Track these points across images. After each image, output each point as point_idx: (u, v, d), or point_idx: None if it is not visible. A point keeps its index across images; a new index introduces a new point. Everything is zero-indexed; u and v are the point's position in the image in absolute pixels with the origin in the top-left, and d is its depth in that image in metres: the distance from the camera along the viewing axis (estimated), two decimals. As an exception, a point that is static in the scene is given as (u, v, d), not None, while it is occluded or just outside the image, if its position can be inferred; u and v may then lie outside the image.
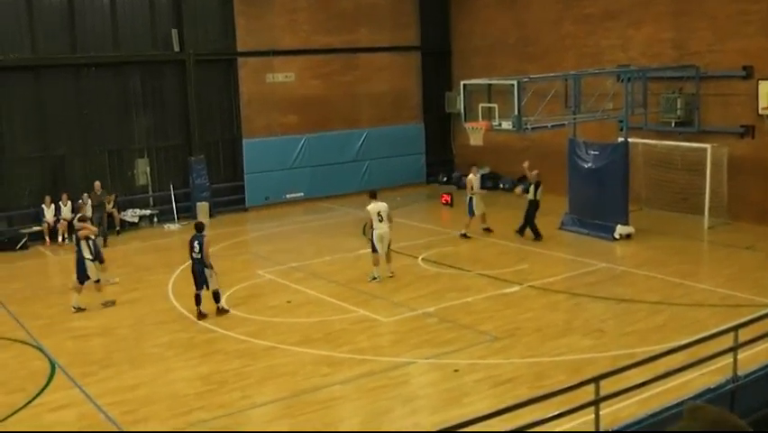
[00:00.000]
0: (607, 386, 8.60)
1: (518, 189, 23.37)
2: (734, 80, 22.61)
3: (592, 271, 18.95)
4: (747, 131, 22.48)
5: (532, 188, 21.69)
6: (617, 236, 21.45)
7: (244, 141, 28.66)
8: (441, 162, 32.40)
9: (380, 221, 18.65)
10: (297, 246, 23.01)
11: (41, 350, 15.03)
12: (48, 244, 24.31)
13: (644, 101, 22.50)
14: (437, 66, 32.47)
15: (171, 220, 26.58)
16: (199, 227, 16.84)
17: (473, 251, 21.72)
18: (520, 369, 13.13)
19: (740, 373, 9.62)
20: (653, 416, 8.71)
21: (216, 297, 16.53)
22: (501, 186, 29.43)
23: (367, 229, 19.27)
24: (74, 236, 18.16)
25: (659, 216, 23.39)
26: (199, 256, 16.34)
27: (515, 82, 19.95)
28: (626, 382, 9.11)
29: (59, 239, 24.41)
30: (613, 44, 25.96)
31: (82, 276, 17.53)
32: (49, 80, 25.39)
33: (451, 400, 12.05)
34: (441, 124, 32.63)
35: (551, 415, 8.33)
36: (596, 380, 8.46)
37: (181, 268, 19.74)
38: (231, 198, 28.62)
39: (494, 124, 20.65)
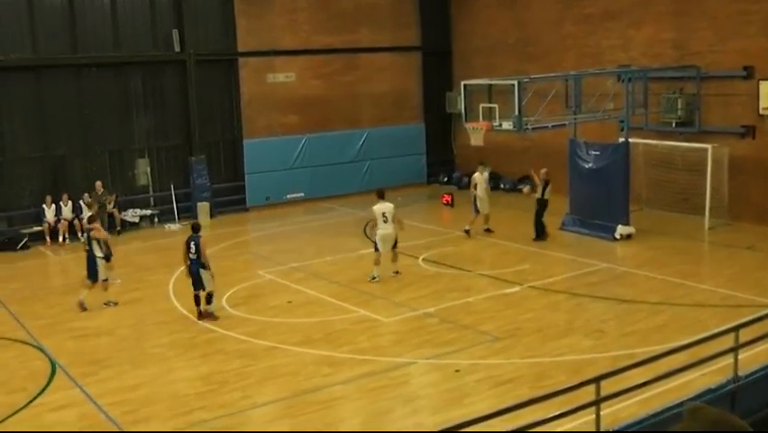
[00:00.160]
0: (607, 386, 8.60)
1: (526, 189, 23.18)
2: (734, 80, 22.62)
3: (593, 271, 18.94)
4: (748, 131, 22.47)
5: (540, 188, 21.55)
6: (617, 237, 21.45)
7: (245, 141, 28.67)
8: (441, 163, 32.40)
9: (385, 222, 18.64)
10: (298, 246, 23.02)
11: (41, 350, 15.03)
12: (48, 244, 24.31)
13: (644, 101, 22.51)
14: (438, 66, 32.46)
15: (172, 220, 26.58)
16: (195, 228, 16.78)
17: (474, 251, 21.73)
18: (521, 369, 13.13)
19: (741, 373, 9.62)
20: (653, 416, 8.71)
21: (209, 299, 16.39)
22: (502, 186, 29.45)
23: (369, 228, 19.24)
24: (86, 234, 18.15)
25: (660, 217, 23.38)
26: (195, 257, 16.28)
27: (515, 82, 19.94)
28: (626, 382, 9.10)
29: (60, 239, 24.43)
30: (613, 44, 25.96)
31: (93, 274, 17.56)
32: (49, 80, 25.40)
33: (451, 401, 12.05)
34: (441, 125, 32.63)
35: (552, 415, 8.33)
36: (596, 380, 8.46)
37: (182, 268, 19.71)
38: (231, 199, 28.62)
39: (495, 124, 20.65)
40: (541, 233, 21.83)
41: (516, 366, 13.27)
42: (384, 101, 31.35)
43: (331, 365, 13.67)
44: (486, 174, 23.12)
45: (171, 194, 27.30)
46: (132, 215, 26.20)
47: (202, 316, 16.31)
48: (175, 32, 27.13)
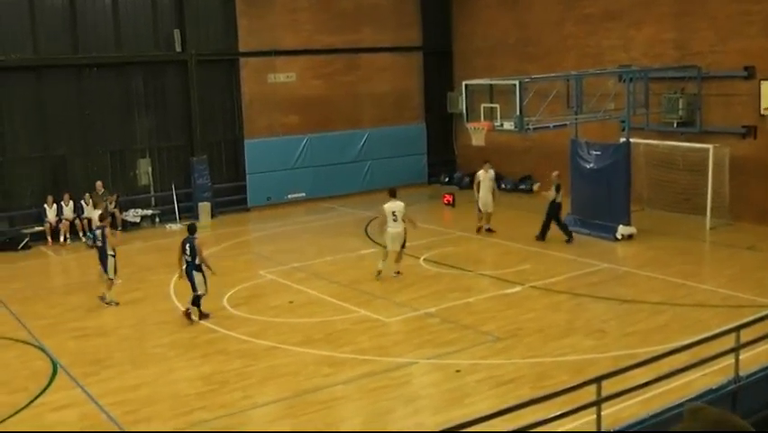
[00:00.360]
0: (608, 386, 8.60)
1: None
2: (735, 81, 22.61)
3: (594, 271, 18.94)
4: (749, 131, 22.47)
5: (553, 190, 21.29)
6: (618, 237, 21.45)
7: (246, 141, 28.68)
8: (443, 163, 32.40)
9: (395, 220, 18.67)
10: (299, 246, 23.02)
11: (42, 350, 15.04)
12: (50, 244, 24.32)
13: (645, 101, 22.51)
14: (439, 66, 32.47)
15: (173, 220, 26.58)
16: (191, 229, 16.71)
17: (475, 251, 21.73)
18: (522, 369, 13.13)
19: (742, 373, 9.62)
20: (654, 416, 8.71)
21: (195, 301, 16.28)
22: (503, 186, 29.39)
23: (375, 226, 19.24)
24: (100, 231, 18.18)
25: (661, 217, 23.37)
26: (190, 259, 16.23)
27: (516, 82, 19.95)
28: (627, 382, 9.11)
29: (61, 239, 24.44)
30: (614, 44, 25.95)
31: (105, 270, 17.74)
32: (51, 81, 25.41)
33: (452, 401, 12.06)
34: (443, 125, 32.63)
35: (553, 415, 8.34)
36: (598, 380, 8.46)
37: (184, 266, 19.73)
38: (233, 199, 28.62)
39: (496, 124, 20.65)
40: (544, 234, 21.69)
41: (517, 366, 13.27)
42: (385, 101, 31.35)
43: (332, 365, 13.67)
44: (491, 173, 23.09)
45: (173, 194, 27.31)
46: (133, 215, 26.22)
47: (202, 315, 16.31)
48: (176, 32, 27.14)
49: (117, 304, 17.74)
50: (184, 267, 16.46)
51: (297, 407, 12.07)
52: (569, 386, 8.80)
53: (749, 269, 18.55)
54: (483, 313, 16.20)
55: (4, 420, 11.92)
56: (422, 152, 32.24)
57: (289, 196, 29.28)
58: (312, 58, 29.77)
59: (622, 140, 21.68)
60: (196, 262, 16.24)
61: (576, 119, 22.19)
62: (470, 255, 21.14)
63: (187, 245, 16.30)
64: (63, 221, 24.60)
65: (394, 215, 18.68)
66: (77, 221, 24.70)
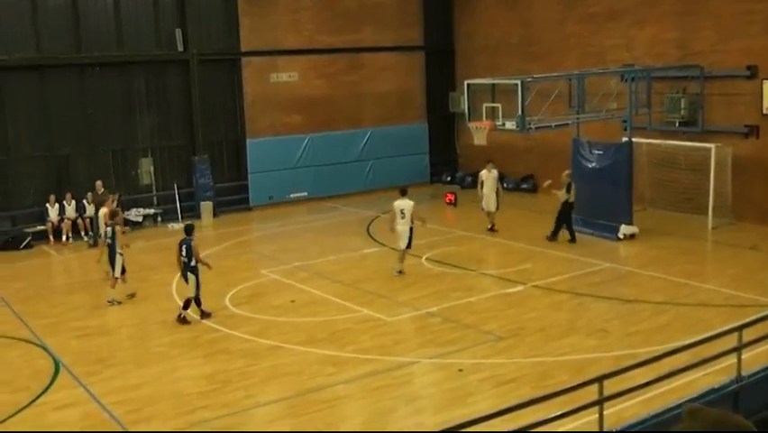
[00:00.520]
0: (610, 386, 8.60)
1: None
2: (738, 80, 22.60)
3: (596, 270, 18.93)
4: (751, 131, 22.45)
5: (564, 190, 21.19)
6: (621, 236, 21.44)
7: (248, 140, 28.68)
8: (445, 162, 32.40)
9: (402, 218, 18.77)
10: (301, 246, 23.03)
11: (45, 349, 15.06)
12: (52, 243, 24.34)
13: (647, 101, 22.48)
14: (441, 66, 32.46)
15: (175, 219, 26.58)
16: (188, 230, 16.62)
17: (477, 250, 21.73)
18: (524, 369, 13.13)
19: (744, 373, 9.62)
20: (656, 416, 8.71)
21: (185, 304, 16.26)
22: (505, 185, 29.35)
23: (390, 223, 19.32)
24: (110, 229, 18.22)
25: (663, 216, 23.36)
26: (186, 260, 16.19)
27: (518, 82, 19.94)
28: (629, 382, 9.11)
29: (63, 238, 24.46)
30: (617, 44, 25.94)
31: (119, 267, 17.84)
32: (53, 80, 25.43)
33: (454, 400, 12.06)
34: (445, 124, 32.63)
35: (554, 415, 8.34)
36: (599, 380, 8.46)
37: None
38: (235, 198, 28.63)
39: (498, 123, 20.65)
40: (556, 234, 21.54)
41: (518, 366, 13.27)
42: (387, 101, 31.35)
43: (334, 365, 13.68)
44: (495, 172, 23.10)
45: (175, 193, 27.33)
46: (135, 214, 26.23)
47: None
48: (178, 32, 27.15)
49: (119, 303, 17.76)
50: (181, 268, 16.42)
51: (299, 406, 12.08)
52: (570, 386, 8.80)
53: (751, 268, 18.54)
54: (485, 312, 16.20)
55: (6, 419, 11.93)
56: (424, 151, 32.23)
57: (291, 195, 29.28)
58: (314, 57, 29.77)
59: (624, 139, 21.68)
60: (192, 263, 16.17)
61: (578, 118, 22.18)
62: (471, 255, 21.13)
63: (184, 246, 16.24)
64: (65, 220, 24.62)
65: (402, 212, 18.77)
66: (80, 220, 24.72)
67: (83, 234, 24.54)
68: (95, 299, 18.47)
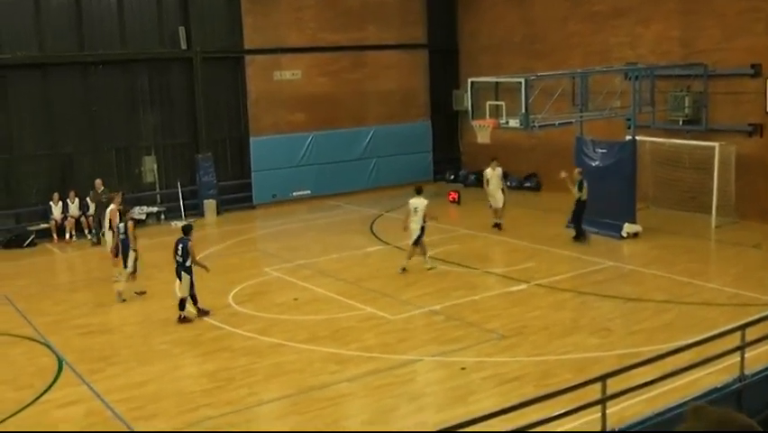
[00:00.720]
0: (613, 385, 8.60)
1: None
2: (742, 78, 22.56)
3: (599, 269, 18.92)
4: (755, 129, 22.42)
5: (576, 188, 21.03)
6: (624, 235, 21.42)
7: (251, 138, 28.69)
8: (448, 160, 32.38)
9: (415, 216, 18.93)
10: (305, 244, 23.04)
11: (48, 347, 15.08)
12: (55, 241, 24.38)
13: (651, 99, 22.45)
14: (444, 64, 32.45)
15: (178, 217, 26.59)
16: (185, 230, 16.57)
17: (480, 248, 21.72)
18: (527, 367, 13.13)
19: (747, 372, 9.60)
20: (659, 415, 8.70)
21: (181, 304, 16.21)
22: (509, 184, 29.32)
23: (404, 220, 19.44)
24: (123, 225, 18.28)
25: (666, 215, 23.34)
26: (181, 260, 16.13)
27: (522, 80, 19.93)
28: (632, 380, 9.10)
29: (67, 236, 24.50)
30: (621, 42, 25.90)
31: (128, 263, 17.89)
32: (56, 78, 25.46)
33: (457, 398, 12.06)
34: (448, 122, 32.61)
35: (557, 413, 8.34)
36: (602, 378, 8.46)
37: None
38: (238, 196, 28.64)
39: (501, 121, 20.64)
40: (580, 233, 21.42)
41: (521, 364, 13.27)
42: (391, 99, 31.34)
43: (337, 362, 13.69)
44: (499, 170, 23.13)
45: (178, 191, 27.35)
46: (138, 212, 26.17)
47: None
48: (181, 30, 27.16)
49: (124, 300, 17.78)
50: (174, 267, 16.37)
51: (302, 404, 12.09)
52: (573, 384, 8.80)
53: (755, 267, 18.51)
54: (488, 311, 16.20)
55: (10, 417, 11.96)
56: (427, 149, 32.22)
57: (295, 193, 29.29)
58: (317, 55, 29.76)
59: (628, 138, 21.65)
60: (186, 263, 16.13)
61: (582, 117, 22.16)
62: (475, 253, 21.12)
63: (180, 246, 16.18)
64: (69, 218, 24.66)
65: (415, 210, 18.87)
66: (83, 218, 24.75)
67: (86, 231, 24.57)
68: (98, 297, 18.50)
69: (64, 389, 13.05)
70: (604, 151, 22.06)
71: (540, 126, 20.73)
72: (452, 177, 31.80)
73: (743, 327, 9.67)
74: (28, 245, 23.99)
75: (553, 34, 28.31)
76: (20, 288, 19.49)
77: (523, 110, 19.80)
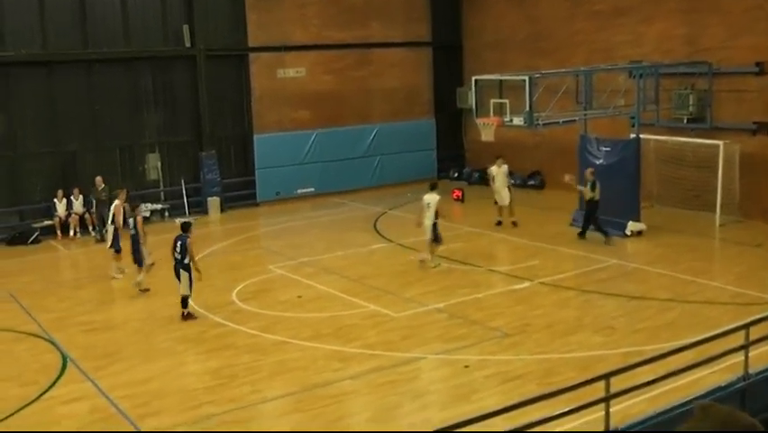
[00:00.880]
0: (617, 383, 8.61)
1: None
2: (746, 77, 22.52)
3: (603, 267, 18.91)
4: (760, 128, 22.38)
5: (588, 187, 20.77)
6: (628, 233, 21.39)
7: (255, 136, 28.70)
8: (452, 158, 32.36)
9: (427, 212, 19.06)
10: (308, 241, 23.06)
11: (53, 343, 15.11)
12: (59, 238, 24.41)
13: (655, 97, 22.43)
14: (449, 61, 32.43)
15: (182, 215, 26.60)
16: (184, 227, 16.51)
17: (484, 247, 21.72)
18: (530, 365, 13.13)
19: (751, 371, 9.61)
20: (663, 413, 8.71)
21: (183, 302, 16.17)
22: (512, 182, 29.30)
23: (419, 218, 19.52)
24: (132, 220, 18.33)
25: (670, 213, 23.30)
26: (180, 257, 16.11)
27: (526, 78, 19.92)
28: (636, 379, 9.11)
29: (71, 233, 24.53)
30: (625, 40, 25.86)
31: (138, 259, 17.94)
32: (60, 76, 25.48)
33: (460, 396, 12.07)
34: (452, 120, 32.60)
35: (561, 412, 8.35)
36: (606, 377, 8.47)
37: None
38: (242, 193, 28.66)
39: (505, 119, 20.64)
40: (584, 232, 21.28)
41: (525, 362, 13.27)
42: (395, 96, 31.33)
43: (341, 360, 13.70)
44: (504, 168, 23.14)
45: (182, 189, 27.37)
46: (142, 209, 26.20)
47: (187, 316, 16.16)
48: (185, 28, 27.18)
49: (148, 290, 17.86)
50: (172, 264, 16.37)
51: (305, 401, 12.11)
52: (577, 383, 8.81)
53: (758, 266, 18.48)
54: (492, 309, 16.20)
55: (15, 412, 11.99)
56: (431, 147, 32.20)
57: (299, 191, 29.30)
58: (321, 53, 29.76)
59: (632, 136, 21.63)
60: (185, 261, 16.11)
61: (586, 115, 22.14)
62: (479, 251, 21.12)
63: (179, 243, 16.15)
64: (73, 215, 24.69)
65: (428, 207, 19.01)
66: (87, 215, 24.78)
67: (90, 229, 24.60)
68: (102, 294, 18.54)
69: (68, 385, 13.08)
70: (608, 149, 22.03)
71: (544, 124, 20.73)
72: (456, 174, 31.77)
73: (746, 326, 9.68)
74: (32, 242, 24.03)
75: (557, 32, 28.29)
76: (24, 284, 19.54)
77: (527, 108, 19.79)
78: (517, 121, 20.32)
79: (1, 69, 24.50)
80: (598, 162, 22.12)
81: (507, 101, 20.83)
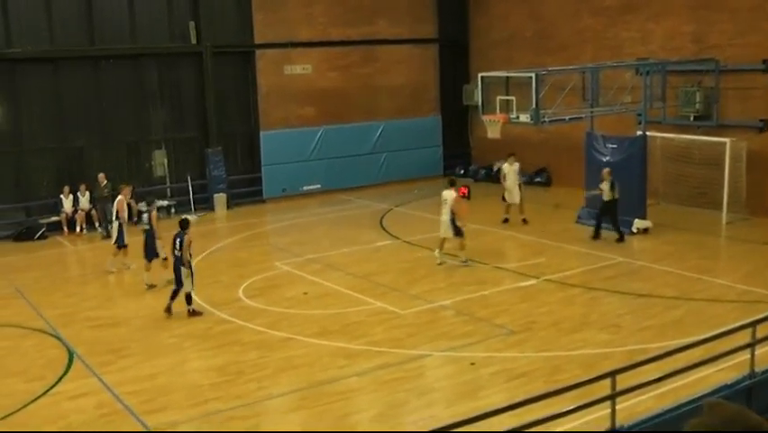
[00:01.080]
0: (623, 381, 8.60)
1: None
2: (753, 74, 22.46)
3: (609, 265, 18.88)
4: (766, 125, 22.33)
5: (607, 186, 20.49)
6: (634, 230, 21.35)
7: (262, 133, 28.72)
8: (458, 155, 32.34)
9: (444, 208, 19.15)
10: (314, 238, 23.07)
11: (59, 339, 15.15)
12: (66, 234, 24.47)
13: (662, 94, 22.38)
14: (455, 58, 32.40)
15: (188, 211, 26.63)
16: (183, 225, 16.49)
17: (490, 244, 21.70)
18: (536, 363, 13.13)
19: (757, 369, 9.59)
20: (668, 411, 8.70)
21: (188, 299, 16.17)
22: (523, 179, 29.30)
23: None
24: (146, 215, 18.39)
25: (676, 211, 23.27)
26: (179, 254, 16.15)
27: (533, 75, 19.90)
28: (642, 377, 9.10)
29: (78, 229, 24.59)
30: (632, 37, 25.82)
31: (151, 254, 17.92)
32: (67, 72, 25.54)
33: (466, 394, 12.07)
34: (458, 117, 32.57)
35: (566, 409, 8.35)
36: (612, 374, 8.47)
37: (199, 258, 19.86)
38: (248, 190, 28.71)
39: (512, 116, 20.61)
40: (621, 234, 20.72)
41: (531, 360, 13.26)
42: (401, 93, 31.33)
43: (346, 357, 13.71)
44: (516, 165, 23.13)
45: (188, 185, 27.40)
46: (156, 205, 26.23)
47: (169, 311, 16.14)
48: (191, 25, 27.20)
49: (153, 286, 17.90)
50: (172, 261, 16.39)
51: (311, 398, 12.12)
52: (583, 380, 8.81)
53: (765, 264, 18.44)
54: (498, 306, 16.20)
55: (21, 408, 12.03)
56: (437, 144, 32.21)
57: (305, 187, 29.32)
58: (328, 50, 29.76)
59: (638, 133, 21.59)
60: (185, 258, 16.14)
61: (592, 112, 22.10)
62: (485, 248, 21.09)
63: (178, 240, 16.19)
64: (79, 211, 24.74)
65: (445, 203, 19.12)
66: (94, 211, 24.82)
67: (97, 225, 24.65)
68: (108, 290, 18.59)
69: (75, 381, 13.11)
70: (614, 146, 22.00)
71: (550, 121, 20.72)
72: (462, 171, 31.74)
73: (753, 324, 9.66)
74: (39, 238, 24.10)
75: (564, 29, 28.24)
76: (31, 280, 19.59)
77: (533, 105, 19.77)
78: (524, 118, 20.30)
79: (8, 65, 24.56)
80: (604, 160, 22.09)
81: (513, 98, 20.80)
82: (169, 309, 16.19)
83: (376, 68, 30.93)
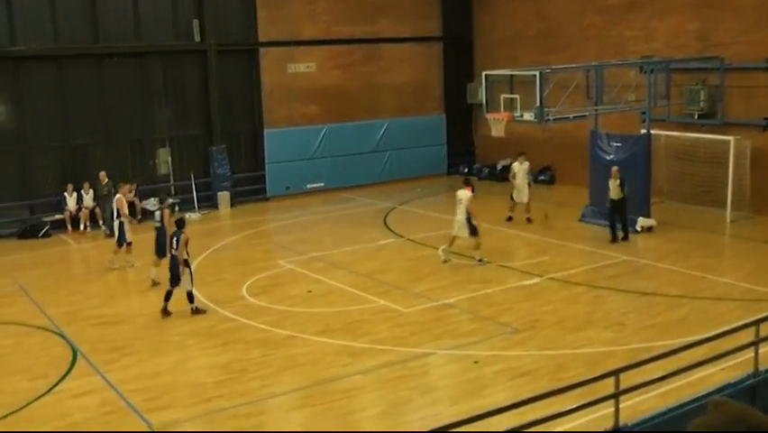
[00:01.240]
0: (626, 380, 8.59)
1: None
2: (758, 72, 22.42)
3: (613, 263, 18.86)
4: (771, 123, 22.31)
5: (618, 185, 20.28)
6: (638, 229, 21.33)
7: (265, 131, 28.72)
8: (462, 153, 32.32)
9: (458, 208, 19.15)
10: (318, 236, 23.06)
11: (63, 337, 15.17)
12: (70, 232, 24.48)
13: (667, 93, 22.35)
14: (459, 57, 32.38)
15: (192, 209, 26.67)
16: (179, 224, 16.49)
17: (494, 242, 21.65)
18: (540, 361, 13.12)
19: (761, 367, 9.57)
20: (672, 410, 8.69)
21: (189, 297, 16.17)
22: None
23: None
24: (159, 212, 18.40)
25: (681, 209, 23.24)
26: (176, 253, 16.14)
27: (537, 73, 19.87)
28: (646, 375, 9.08)
29: (81, 227, 24.60)
30: (636, 35, 25.78)
31: (162, 251, 17.84)
32: (71, 70, 25.54)
33: (470, 392, 12.07)
34: (462, 115, 32.55)
35: (570, 407, 8.34)
36: (616, 373, 8.46)
37: (203, 256, 19.90)
38: (252, 188, 28.71)
39: (516, 115, 20.59)
40: (626, 234, 20.67)
41: (534, 358, 13.25)
42: (405, 91, 31.32)
43: (350, 355, 13.71)
44: (526, 164, 23.10)
45: (192, 183, 27.41)
46: (152, 204, 26.29)
47: (165, 312, 16.11)
48: (195, 22, 27.20)
49: (157, 284, 17.84)
50: (169, 259, 16.38)
51: (314, 396, 12.12)
52: (586, 378, 8.80)
53: (770, 262, 18.43)
54: (501, 304, 16.19)
55: (25, 406, 12.04)
56: (441, 142, 32.17)
57: (308, 186, 29.32)
58: (331, 48, 29.76)
59: (642, 131, 21.57)
60: (184, 257, 16.12)
61: (596, 110, 22.07)
62: (489, 246, 21.05)
63: (175, 239, 16.22)
64: (83, 209, 24.76)
65: (459, 202, 19.11)
66: (97, 209, 24.84)
67: (101, 223, 24.66)
68: (112, 288, 18.61)
69: (78, 379, 13.12)
70: (618, 144, 21.98)
71: (554, 120, 20.68)
72: (466, 170, 31.69)
73: (757, 323, 9.64)
74: (42, 236, 24.12)
75: (568, 28, 28.21)
76: (35, 278, 19.61)
77: (537, 103, 19.74)
78: (528, 116, 20.27)
79: (12, 63, 24.58)
80: (608, 158, 22.06)
81: (517, 96, 20.77)
82: (165, 310, 16.13)
83: (380, 66, 30.92)
